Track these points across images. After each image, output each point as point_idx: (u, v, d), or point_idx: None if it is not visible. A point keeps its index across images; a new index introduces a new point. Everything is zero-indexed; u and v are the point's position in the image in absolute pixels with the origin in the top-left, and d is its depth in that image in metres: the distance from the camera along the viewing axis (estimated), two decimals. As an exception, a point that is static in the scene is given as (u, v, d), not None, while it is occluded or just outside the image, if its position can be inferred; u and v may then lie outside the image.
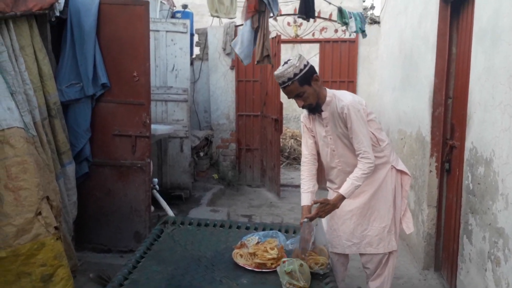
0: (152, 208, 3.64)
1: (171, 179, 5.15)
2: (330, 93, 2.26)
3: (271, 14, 3.72)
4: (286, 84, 2.14)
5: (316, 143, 2.42)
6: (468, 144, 2.50)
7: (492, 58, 2.21)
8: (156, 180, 4.05)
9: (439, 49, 3.18)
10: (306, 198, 2.34)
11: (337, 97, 2.24)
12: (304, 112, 2.38)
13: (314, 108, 2.26)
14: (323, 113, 2.27)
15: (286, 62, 2.15)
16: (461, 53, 2.99)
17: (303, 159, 2.46)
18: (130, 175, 3.37)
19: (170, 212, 3.95)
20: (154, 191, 3.95)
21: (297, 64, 2.12)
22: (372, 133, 2.27)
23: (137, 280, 1.83)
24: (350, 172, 2.23)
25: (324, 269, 1.94)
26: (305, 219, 2.13)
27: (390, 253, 2.34)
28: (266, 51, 3.77)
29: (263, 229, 2.42)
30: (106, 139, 3.35)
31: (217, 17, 3.93)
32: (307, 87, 2.16)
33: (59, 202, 2.47)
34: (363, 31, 5.19)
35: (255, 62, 4.03)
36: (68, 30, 3.16)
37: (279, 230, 2.41)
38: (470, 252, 2.42)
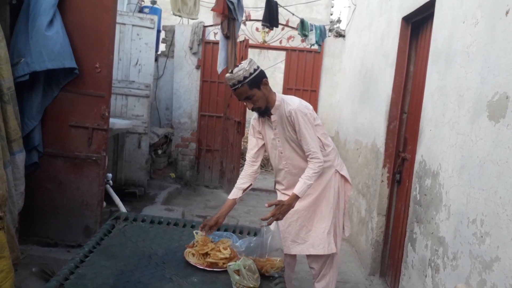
0: (104, 204, 3.53)
1: (126, 175, 5.04)
2: (279, 97, 2.35)
3: (238, 21, 3.76)
4: (236, 86, 2.21)
5: (262, 146, 2.52)
6: (418, 157, 2.64)
7: (444, 78, 2.35)
8: (110, 175, 3.94)
9: (398, 66, 3.34)
10: (234, 193, 2.47)
11: (286, 101, 2.33)
12: (255, 115, 2.46)
13: (263, 111, 2.34)
14: (272, 117, 2.36)
15: (237, 66, 2.23)
16: (418, 71, 3.15)
17: (247, 161, 2.56)
18: (84, 168, 3.26)
19: (123, 208, 3.86)
20: (108, 186, 3.85)
21: (247, 68, 2.20)
22: (318, 138, 2.38)
23: (84, 275, 1.78)
24: (297, 174, 2.34)
25: (279, 271, 1.97)
26: (264, 224, 2.14)
27: (333, 254, 2.43)
28: (236, 60, 3.84)
29: (218, 229, 2.42)
30: (61, 129, 3.22)
31: (179, 16, 3.94)
32: (256, 91, 2.23)
33: (5, 191, 2.35)
34: (319, 45, 5.39)
35: (229, 71, 4.08)
36: (25, 6, 2.97)
37: (234, 232, 2.42)
38: (413, 259, 2.54)
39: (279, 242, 2.14)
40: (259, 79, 2.23)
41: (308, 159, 2.31)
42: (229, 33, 3.65)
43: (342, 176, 2.51)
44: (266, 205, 2.33)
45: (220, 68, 3.84)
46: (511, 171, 1.58)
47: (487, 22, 1.92)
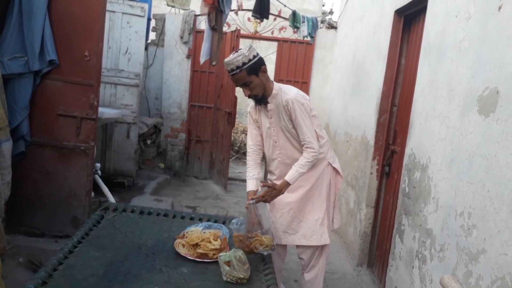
0: (93, 194, 3.50)
1: (114, 166, 4.99)
2: (277, 86, 2.35)
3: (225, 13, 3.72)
4: (235, 72, 2.20)
5: (261, 134, 2.50)
6: (408, 150, 2.66)
7: (436, 72, 2.37)
8: (98, 165, 3.89)
9: (390, 59, 3.35)
10: (251, 184, 2.42)
11: (283, 90, 2.33)
12: (252, 103, 2.46)
13: (260, 99, 2.34)
14: (268, 105, 2.36)
15: (236, 51, 2.21)
16: (409, 65, 3.16)
17: (248, 150, 2.55)
18: (72, 157, 3.22)
19: (112, 199, 3.83)
20: (96, 176, 3.80)
21: (247, 54, 2.19)
22: (314, 129, 2.36)
23: (73, 265, 1.76)
24: (290, 165, 2.35)
25: (268, 250, 2.00)
26: (251, 201, 2.19)
27: (323, 245, 2.45)
28: (219, 51, 3.82)
29: (208, 220, 2.42)
30: (49, 118, 3.17)
31: (173, 7, 3.90)
32: (254, 77, 2.23)
33: (-9, 180, 2.31)
34: (312, 37, 5.37)
35: (212, 63, 4.06)
36: (17, 1, 2.95)
37: (224, 223, 2.42)
38: (401, 250, 2.58)
39: (268, 222, 2.16)
40: (257, 66, 2.23)
41: (303, 148, 2.32)
42: (216, 25, 3.61)
43: (334, 168, 2.52)
44: (260, 184, 2.39)
45: (202, 58, 3.81)
46: (500, 165, 1.60)
47: (480, 17, 1.93)
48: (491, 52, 1.78)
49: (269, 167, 2.57)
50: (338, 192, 2.59)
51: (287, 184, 2.30)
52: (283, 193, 2.33)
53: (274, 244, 2.06)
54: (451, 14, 2.25)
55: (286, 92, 2.31)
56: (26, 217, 3.21)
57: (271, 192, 2.28)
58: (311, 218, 2.42)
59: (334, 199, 2.54)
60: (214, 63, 3.99)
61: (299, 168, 2.29)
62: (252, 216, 2.12)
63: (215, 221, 2.42)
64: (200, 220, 2.45)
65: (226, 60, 2.23)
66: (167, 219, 2.44)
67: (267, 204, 2.30)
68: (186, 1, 3.37)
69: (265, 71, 2.28)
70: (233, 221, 2.11)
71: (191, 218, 2.48)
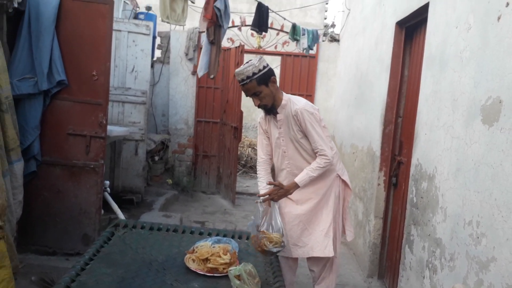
0: (102, 211, 3.54)
1: (123, 183, 5.03)
2: (286, 97, 2.40)
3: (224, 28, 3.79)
4: (245, 82, 2.27)
5: (271, 144, 2.55)
6: (414, 161, 2.67)
7: (439, 82, 2.39)
8: (107, 182, 3.95)
9: (393, 70, 3.38)
10: (264, 188, 2.47)
11: (292, 101, 2.38)
12: (262, 113, 2.50)
13: (270, 109, 2.39)
14: (278, 115, 2.40)
15: (247, 62, 2.28)
16: (412, 76, 3.19)
17: (258, 160, 2.59)
18: (82, 176, 3.27)
19: (121, 216, 3.86)
20: (106, 193, 3.85)
21: (257, 64, 2.26)
22: (326, 136, 2.40)
23: (85, 283, 1.79)
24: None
25: (278, 247, 2.03)
26: (259, 200, 2.26)
27: (333, 257, 2.45)
28: (218, 66, 3.89)
29: (217, 235, 2.44)
30: (59, 137, 3.23)
31: (168, 23, 3.99)
32: (264, 87, 2.29)
33: (5, 200, 2.35)
34: (311, 49, 5.44)
35: (210, 77, 4.12)
36: (25, 23, 3.05)
37: (232, 237, 2.44)
38: (411, 260, 2.57)
39: (278, 221, 2.22)
40: (267, 76, 2.29)
41: (317, 155, 2.36)
42: (215, 40, 3.68)
43: (343, 180, 2.52)
44: (267, 182, 2.44)
45: (201, 72, 3.87)
46: (505, 173, 1.61)
47: (480, 27, 1.96)
48: (492, 61, 1.81)
49: (278, 177, 2.59)
50: (347, 205, 2.58)
51: (295, 186, 2.34)
52: (290, 194, 2.36)
53: (283, 241, 2.10)
54: (451, 25, 2.29)
55: (295, 102, 2.36)
56: (37, 236, 3.25)
57: (278, 190, 2.33)
58: (318, 229, 2.42)
59: (342, 211, 2.54)
60: (212, 76, 4.04)
61: (309, 171, 2.32)
62: (260, 213, 2.20)
63: (224, 236, 2.44)
64: (209, 235, 2.47)
65: (237, 70, 2.30)
66: (177, 235, 2.46)
67: (276, 204, 2.33)
68: (182, 17, 3.45)
69: (274, 82, 2.34)
70: (249, 223, 2.18)
71: (200, 233, 2.50)
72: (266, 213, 2.23)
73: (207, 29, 3.69)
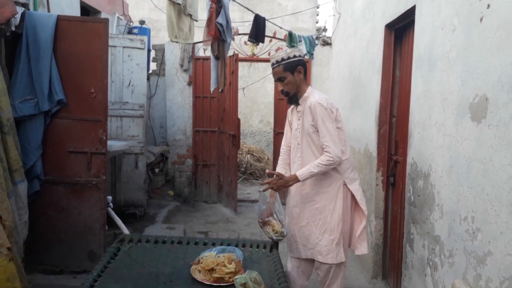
0: (106, 227, 3.58)
1: (125, 197, 5.08)
2: (310, 90, 2.50)
3: (227, 42, 3.87)
4: (274, 66, 2.45)
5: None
6: (409, 160, 2.72)
7: (428, 82, 2.45)
8: (110, 197, 3.98)
9: (384, 72, 3.44)
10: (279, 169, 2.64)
11: (313, 94, 2.46)
12: (292, 106, 2.61)
13: (291, 98, 2.50)
14: (299, 107, 2.50)
15: (283, 49, 2.46)
16: (403, 76, 3.26)
17: (281, 150, 2.72)
18: (85, 192, 3.31)
19: (126, 230, 3.90)
20: (109, 209, 3.89)
21: (288, 52, 2.43)
22: (337, 136, 2.42)
23: (95, 299, 1.83)
24: None
25: (278, 236, 2.15)
26: (261, 190, 2.41)
27: (340, 263, 2.48)
28: (226, 79, 3.98)
29: (221, 244, 2.48)
30: (60, 156, 3.28)
31: (176, 42, 4.07)
32: (289, 74, 2.43)
33: (12, 221, 2.40)
34: (311, 54, 5.51)
35: (219, 91, 4.20)
36: (23, 45, 3.11)
37: (236, 245, 2.48)
38: (412, 259, 2.61)
39: (280, 210, 2.39)
40: (294, 64, 2.43)
41: (323, 152, 2.38)
42: (219, 54, 3.76)
43: (349, 190, 2.48)
44: (267, 171, 2.56)
45: (212, 87, 3.95)
46: (495, 168, 1.67)
47: (464, 29, 2.03)
48: (477, 61, 1.87)
49: (292, 168, 2.62)
50: (363, 221, 2.50)
51: (295, 179, 2.40)
52: (290, 185, 2.45)
53: (283, 231, 2.20)
54: (437, 26, 2.36)
55: (315, 95, 2.44)
56: (44, 255, 3.28)
57: (278, 181, 2.41)
58: (327, 237, 2.44)
59: (351, 221, 2.51)
60: (221, 89, 4.11)
61: (311, 166, 2.36)
62: (261, 203, 2.37)
63: (228, 245, 2.48)
64: (213, 245, 2.51)
65: (272, 54, 2.51)
66: (181, 246, 2.50)
67: (277, 195, 2.45)
68: (190, 35, 3.55)
69: (300, 72, 2.45)
70: (256, 206, 2.42)
71: (205, 244, 2.54)
72: (267, 202, 2.38)
73: (211, 45, 3.76)
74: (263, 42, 4.90)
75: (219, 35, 3.58)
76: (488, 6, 1.80)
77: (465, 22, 2.03)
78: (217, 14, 3.52)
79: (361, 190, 2.53)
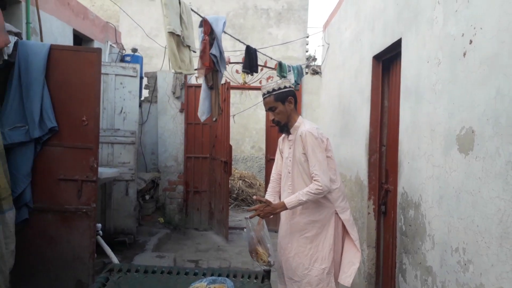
0: (95, 255, 3.51)
1: (115, 224, 5.01)
2: (300, 119, 2.55)
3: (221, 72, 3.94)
4: (265, 96, 2.51)
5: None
6: (400, 189, 2.75)
7: (416, 113, 2.51)
8: (99, 225, 3.91)
9: (373, 101, 3.52)
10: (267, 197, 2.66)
11: (304, 124, 2.51)
12: (283, 134, 2.66)
13: (282, 127, 2.56)
14: (290, 136, 2.55)
15: (274, 80, 2.48)
16: (392, 106, 3.33)
17: (271, 178, 2.76)
18: (75, 220, 3.26)
19: (115, 259, 3.82)
20: (99, 237, 3.82)
21: (279, 83, 2.51)
22: (327, 165, 2.46)
23: (82, 333, 1.78)
24: None
25: (264, 265, 2.17)
26: (247, 217, 2.41)
27: None
28: (220, 108, 4.02)
29: (212, 274, 2.44)
30: (50, 183, 3.24)
31: (180, 73, 4.14)
32: (280, 104, 2.49)
33: (-2, 251, 2.35)
34: (298, 84, 5.68)
35: (213, 120, 4.23)
36: (16, 73, 3.13)
37: (227, 276, 2.44)
38: (405, 290, 2.60)
39: (266, 240, 2.38)
40: (285, 95, 2.50)
41: (312, 180, 2.40)
42: (213, 85, 3.82)
43: (342, 221, 2.49)
44: (254, 197, 2.57)
45: (203, 116, 3.98)
46: (484, 200, 1.70)
47: (448, 62, 2.10)
48: (462, 94, 1.93)
49: (281, 196, 2.65)
50: (356, 262, 2.47)
51: (283, 206, 2.40)
52: (277, 213, 2.44)
53: (270, 261, 2.22)
54: (423, 59, 2.44)
55: (305, 125, 2.49)
56: (30, 285, 3.20)
57: (265, 207, 2.41)
58: (318, 266, 2.43)
59: (342, 251, 2.52)
60: (214, 119, 4.15)
61: (299, 194, 2.37)
62: (248, 231, 2.36)
63: (219, 275, 2.44)
64: (204, 275, 2.46)
65: (263, 84, 2.59)
66: (171, 276, 2.46)
67: (264, 223, 2.46)
68: (190, 66, 3.64)
69: (291, 102, 2.51)
70: (244, 234, 2.40)
71: (195, 274, 2.49)
72: (255, 230, 2.39)
73: (205, 76, 3.83)
74: (256, 72, 5.03)
75: (213, 65, 3.64)
76: (471, 41, 1.88)
77: (449, 56, 2.10)
78: (210, 45, 3.59)
79: (352, 220, 2.55)
